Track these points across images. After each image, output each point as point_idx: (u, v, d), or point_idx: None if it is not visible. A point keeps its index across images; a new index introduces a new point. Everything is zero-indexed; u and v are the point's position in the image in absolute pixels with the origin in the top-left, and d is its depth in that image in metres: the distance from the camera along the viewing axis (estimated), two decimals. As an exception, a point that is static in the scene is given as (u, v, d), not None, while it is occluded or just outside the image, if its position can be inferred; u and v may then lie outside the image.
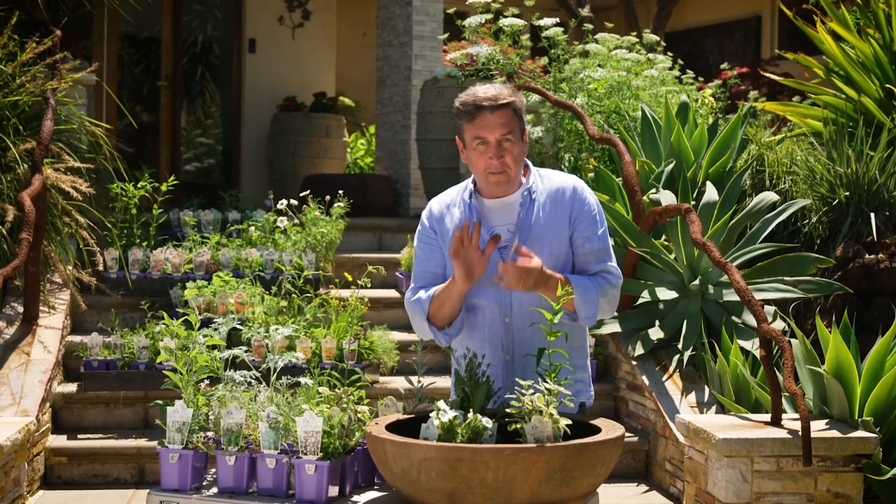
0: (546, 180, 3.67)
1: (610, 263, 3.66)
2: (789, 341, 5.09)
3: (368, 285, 6.96)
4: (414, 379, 3.66)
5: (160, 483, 3.62)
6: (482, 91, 3.55)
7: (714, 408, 6.03)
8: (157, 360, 6.23)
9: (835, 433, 4.91)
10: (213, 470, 3.67)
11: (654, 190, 6.95)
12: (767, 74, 9.29)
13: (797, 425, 4.90)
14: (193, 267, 7.45)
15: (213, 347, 4.20)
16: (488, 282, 3.58)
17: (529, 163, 3.71)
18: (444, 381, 6.40)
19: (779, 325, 6.08)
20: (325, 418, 3.50)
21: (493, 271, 3.54)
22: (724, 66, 9.71)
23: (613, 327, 6.67)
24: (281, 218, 7.85)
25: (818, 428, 4.97)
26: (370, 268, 7.15)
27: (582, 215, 3.62)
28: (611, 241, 3.72)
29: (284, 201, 7.92)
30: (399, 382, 6.69)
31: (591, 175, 7.43)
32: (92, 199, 7.29)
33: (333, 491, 3.47)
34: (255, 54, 12.66)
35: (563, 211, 3.61)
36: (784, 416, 5.13)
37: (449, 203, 3.72)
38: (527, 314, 3.55)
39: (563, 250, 3.61)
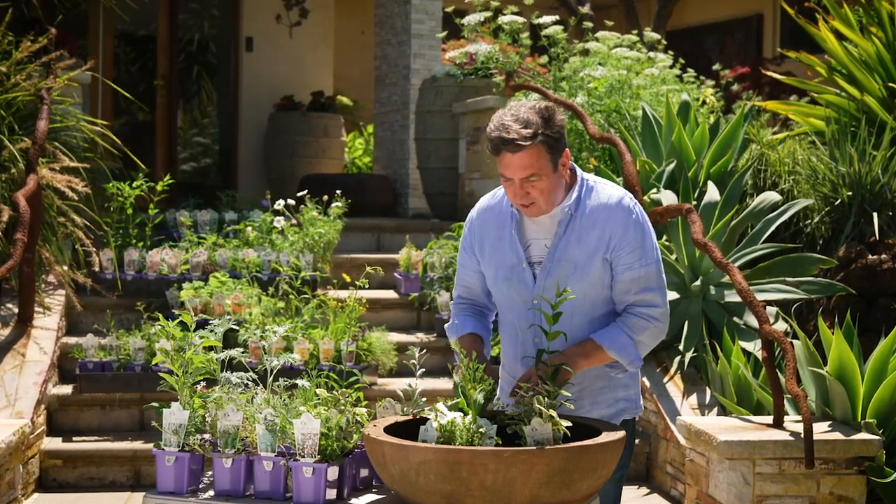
0: (592, 194, 3.46)
1: (650, 294, 3.44)
2: (791, 342, 5.07)
3: (366, 286, 6.91)
4: (412, 381, 3.62)
5: (156, 486, 3.58)
6: (506, 127, 3.31)
7: (715, 409, 6.00)
8: (153, 362, 6.19)
9: (837, 435, 4.89)
10: (210, 472, 3.64)
11: (654, 190, 6.92)
12: (769, 73, 9.26)
13: (799, 427, 4.88)
14: (190, 268, 7.40)
15: (210, 349, 4.18)
16: (520, 298, 3.50)
17: (578, 171, 3.51)
18: (443, 383, 6.38)
19: (781, 326, 6.05)
20: (322, 420, 3.46)
21: (525, 289, 3.48)
22: (717, 66, 9.65)
23: (614, 328, 6.62)
24: (278, 218, 7.80)
25: (820, 430, 4.95)
26: (368, 268, 7.10)
27: (623, 241, 3.41)
28: (660, 267, 3.47)
29: (282, 201, 7.88)
30: (398, 384, 6.65)
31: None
32: (88, 199, 7.24)
33: (331, 494, 3.44)
34: (252, 53, 12.62)
35: (602, 233, 3.41)
36: (786, 417, 5.12)
37: (494, 207, 3.58)
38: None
39: (596, 272, 3.43)
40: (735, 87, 9.85)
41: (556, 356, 3.34)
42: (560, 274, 3.42)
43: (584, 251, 3.42)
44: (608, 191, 3.47)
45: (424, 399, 3.57)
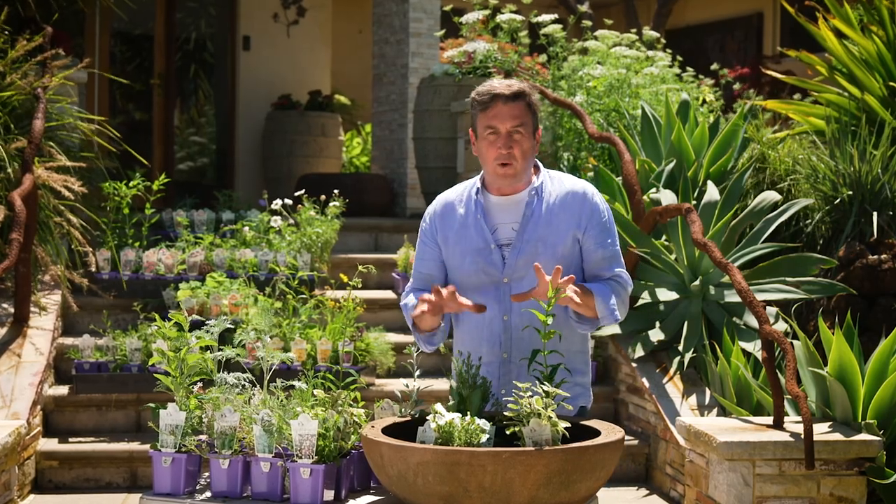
0: (556, 182, 3.67)
1: (620, 269, 3.68)
2: (791, 343, 5.05)
3: (360, 286, 6.88)
4: (410, 381, 3.60)
5: (153, 487, 3.56)
6: (499, 82, 3.59)
7: (715, 410, 5.97)
8: (150, 363, 6.15)
9: (838, 436, 4.87)
10: (207, 474, 3.61)
11: (654, 189, 6.90)
12: (769, 72, 9.22)
13: (799, 428, 4.86)
14: (186, 268, 7.37)
15: (207, 349, 4.16)
16: (488, 279, 3.61)
17: (540, 164, 3.72)
18: (441, 384, 6.35)
19: (781, 326, 6.02)
20: (320, 421, 3.43)
21: (494, 269, 3.59)
22: (715, 66, 9.62)
23: (613, 329, 6.61)
24: (275, 218, 7.76)
25: (821, 431, 4.93)
26: (361, 268, 7.06)
27: (593, 221, 3.62)
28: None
29: (279, 201, 7.84)
30: (395, 385, 6.62)
31: (590, 174, 7.37)
32: (84, 199, 7.21)
33: (329, 495, 3.43)
34: (249, 52, 12.59)
35: (572, 215, 3.61)
36: (786, 418, 5.10)
37: (454, 200, 3.73)
38: (526, 313, 3.51)
39: (567, 253, 3.60)
40: (737, 87, 9.82)
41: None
42: (530, 252, 3.58)
43: (552, 231, 3.60)
44: (571, 180, 3.70)
45: (423, 400, 3.56)
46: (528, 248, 3.57)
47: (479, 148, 3.61)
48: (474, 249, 3.62)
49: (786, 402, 5.25)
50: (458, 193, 3.73)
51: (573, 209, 3.61)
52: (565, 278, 3.33)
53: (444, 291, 3.44)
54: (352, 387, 3.80)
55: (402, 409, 3.57)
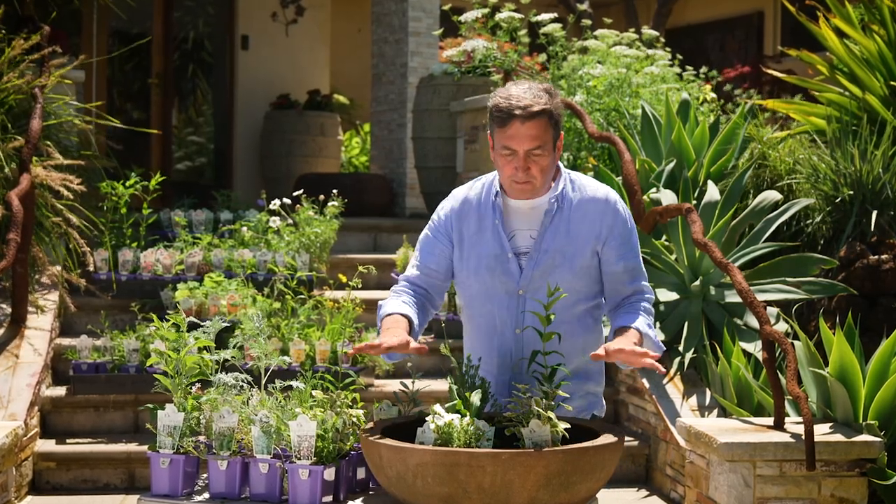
0: (577, 187, 3.48)
1: (643, 282, 3.52)
2: (792, 343, 5.03)
3: (360, 286, 6.86)
4: (409, 382, 3.59)
5: (151, 488, 3.54)
6: (516, 96, 3.33)
7: (716, 411, 5.96)
8: (148, 363, 6.14)
9: (839, 437, 4.85)
10: (205, 475, 3.60)
11: (654, 189, 6.88)
12: (770, 71, 9.20)
13: (800, 429, 4.85)
14: (185, 268, 7.35)
15: (206, 349, 4.15)
16: (503, 288, 3.48)
17: (561, 165, 3.51)
18: (440, 385, 6.33)
19: (781, 326, 6.00)
20: (318, 422, 3.41)
21: (510, 279, 3.46)
22: (704, 69, 9.58)
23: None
24: (274, 218, 7.75)
25: (822, 432, 4.91)
26: (361, 268, 7.04)
27: (615, 232, 3.45)
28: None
29: (277, 201, 7.82)
30: (394, 386, 6.59)
31: (590, 174, 7.35)
32: (82, 199, 7.18)
33: (327, 496, 3.40)
34: (247, 51, 12.58)
35: (593, 225, 3.44)
36: (787, 419, 5.08)
37: (473, 200, 3.53)
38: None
39: (584, 264, 3.45)
40: (727, 88, 9.80)
41: (627, 338, 3.35)
42: (548, 264, 3.44)
43: (572, 242, 3.44)
44: (593, 185, 3.51)
45: (422, 401, 3.55)
46: (545, 259, 3.43)
47: (496, 160, 3.41)
48: (490, 256, 3.47)
49: (786, 403, 5.23)
50: (477, 193, 3.54)
51: (593, 220, 3.44)
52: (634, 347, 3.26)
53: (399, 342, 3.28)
54: (351, 388, 3.78)
55: (402, 410, 3.56)
